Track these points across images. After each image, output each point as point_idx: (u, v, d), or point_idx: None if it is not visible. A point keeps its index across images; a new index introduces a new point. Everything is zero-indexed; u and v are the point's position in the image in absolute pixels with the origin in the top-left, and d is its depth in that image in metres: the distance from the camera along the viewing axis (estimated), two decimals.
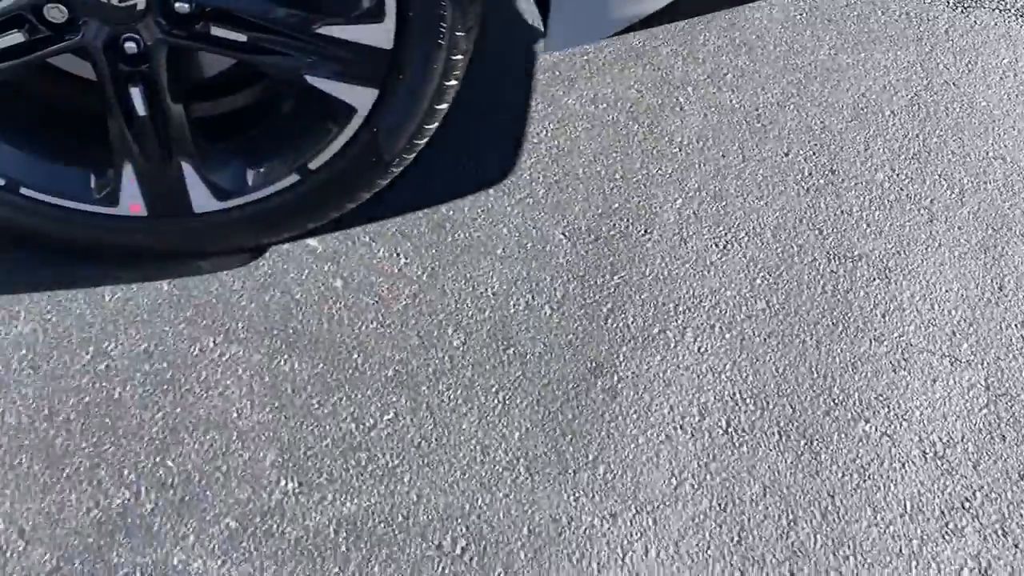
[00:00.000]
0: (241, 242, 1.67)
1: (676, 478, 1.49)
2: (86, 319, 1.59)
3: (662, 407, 1.58)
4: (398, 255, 1.76)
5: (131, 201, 1.54)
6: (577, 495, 1.45)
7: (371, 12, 1.38)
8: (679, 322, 1.70)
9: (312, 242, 1.75)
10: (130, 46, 1.39)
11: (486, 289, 1.72)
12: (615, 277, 1.76)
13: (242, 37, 1.39)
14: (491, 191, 1.90)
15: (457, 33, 1.42)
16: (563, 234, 1.82)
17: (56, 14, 1.33)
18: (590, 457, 1.50)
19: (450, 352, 1.63)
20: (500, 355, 1.63)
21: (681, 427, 1.56)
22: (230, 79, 1.62)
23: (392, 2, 1.37)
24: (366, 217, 1.79)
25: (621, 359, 1.64)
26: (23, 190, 1.49)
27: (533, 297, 1.72)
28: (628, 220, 1.86)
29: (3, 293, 1.60)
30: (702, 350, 1.65)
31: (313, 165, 1.55)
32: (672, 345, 1.67)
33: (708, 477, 1.49)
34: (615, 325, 1.69)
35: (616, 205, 1.89)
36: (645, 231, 1.84)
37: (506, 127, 2.02)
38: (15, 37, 1.34)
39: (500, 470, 1.47)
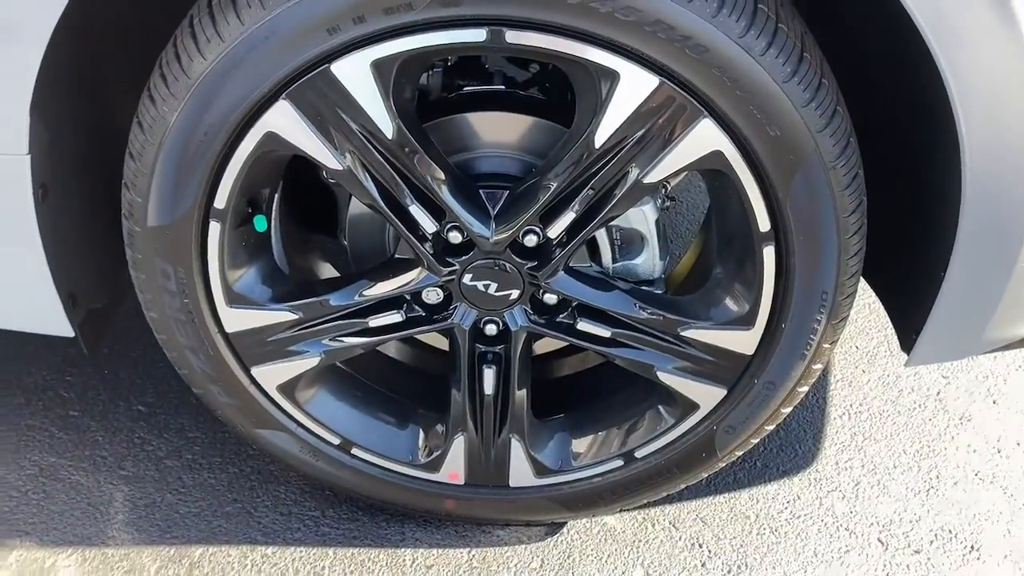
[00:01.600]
0: (547, 516, 1.60)
1: None
2: None
3: None
4: (700, 546, 1.64)
5: (452, 469, 1.50)
6: None
7: (741, 319, 1.33)
8: None
9: (611, 520, 1.66)
10: (490, 328, 1.39)
11: None
12: None
13: (606, 332, 1.36)
14: (795, 479, 1.77)
15: (824, 345, 1.35)
16: (880, 540, 1.66)
17: (433, 297, 1.35)
18: None
19: None
20: None
21: None
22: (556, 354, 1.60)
23: (765, 313, 1.32)
24: (665, 496, 1.69)
25: None
26: (354, 451, 1.49)
27: None
28: (949, 532, 1.68)
29: (312, 546, 1.58)
30: None
31: (640, 453, 1.48)
32: None
33: None
34: None
35: (935, 512, 1.71)
36: (971, 548, 1.66)
37: (805, 405, 1.91)
38: (393, 317, 1.36)
39: None
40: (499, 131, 1.38)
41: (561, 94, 1.43)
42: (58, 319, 1.38)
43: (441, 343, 1.57)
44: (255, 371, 1.40)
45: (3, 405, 1.83)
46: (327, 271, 1.64)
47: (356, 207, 1.44)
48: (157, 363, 1.89)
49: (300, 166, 1.38)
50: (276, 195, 1.37)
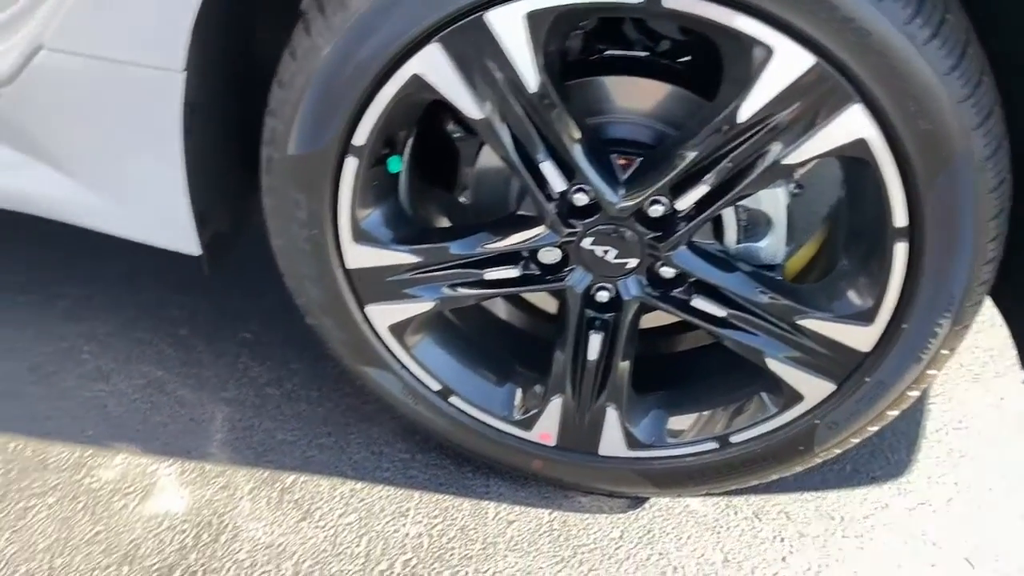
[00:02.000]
0: (632, 489, 1.60)
1: None
2: (469, 534, 1.56)
3: None
4: (782, 540, 1.62)
5: (544, 430, 1.52)
6: None
7: (862, 315, 1.31)
8: None
9: (694, 503, 1.65)
10: (602, 295, 1.39)
11: None
12: None
13: (721, 312, 1.35)
14: (885, 487, 1.73)
15: (943, 351, 1.32)
16: (968, 560, 1.62)
17: (550, 257, 1.36)
18: None
19: None
20: None
21: None
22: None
23: (888, 311, 1.29)
24: (751, 486, 1.68)
25: None
26: (452, 399, 1.51)
27: None
28: None
29: (399, 487, 1.62)
30: None
31: (735, 439, 1.47)
32: None
33: None
34: None
35: None
36: None
37: (902, 415, 1.87)
38: (509, 271, 1.37)
39: None
40: (635, 97, 1.37)
41: (700, 66, 1.41)
42: (188, 237, 1.43)
43: (548, 305, 1.58)
44: (369, 309, 1.43)
45: (118, 316, 1.91)
46: (444, 224, 1.66)
47: (484, 161, 1.45)
48: (265, 294, 1.95)
49: (429, 117, 1.40)
50: (411, 139, 1.39)
